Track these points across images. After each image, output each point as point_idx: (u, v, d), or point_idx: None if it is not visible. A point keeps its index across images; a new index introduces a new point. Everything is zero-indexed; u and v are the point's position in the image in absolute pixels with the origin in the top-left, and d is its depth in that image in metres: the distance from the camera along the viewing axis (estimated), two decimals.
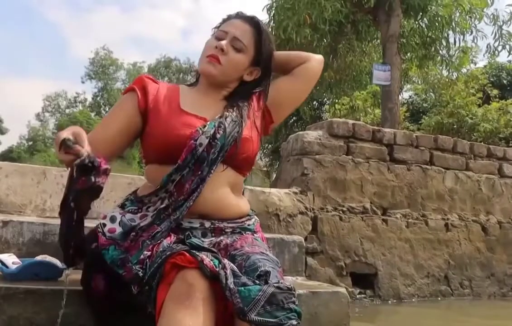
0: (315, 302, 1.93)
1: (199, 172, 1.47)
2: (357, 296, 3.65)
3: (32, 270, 1.61)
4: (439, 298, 4.07)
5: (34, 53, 68.58)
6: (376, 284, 3.82)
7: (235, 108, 1.59)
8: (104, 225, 1.48)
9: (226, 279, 1.20)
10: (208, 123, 1.52)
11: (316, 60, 1.78)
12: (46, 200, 2.42)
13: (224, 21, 1.68)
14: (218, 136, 1.50)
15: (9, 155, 31.55)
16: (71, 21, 69.06)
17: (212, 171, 1.49)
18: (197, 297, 1.18)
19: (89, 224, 2.11)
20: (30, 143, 38.47)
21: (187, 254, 1.25)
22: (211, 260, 1.24)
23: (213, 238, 1.48)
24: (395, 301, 3.83)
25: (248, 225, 1.58)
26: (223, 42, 1.58)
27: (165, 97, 1.59)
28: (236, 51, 1.60)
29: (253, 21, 1.64)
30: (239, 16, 1.67)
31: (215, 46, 1.59)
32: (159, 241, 1.37)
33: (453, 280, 4.21)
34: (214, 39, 1.62)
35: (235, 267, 1.27)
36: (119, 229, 1.45)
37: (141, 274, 1.33)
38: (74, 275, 1.80)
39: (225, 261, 1.27)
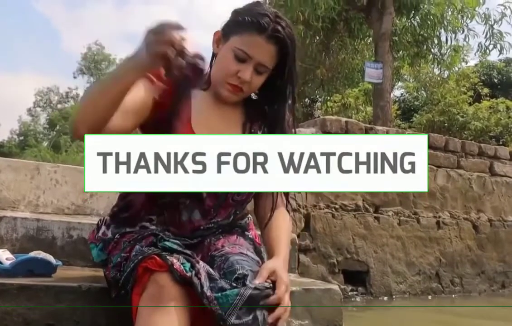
0: (308, 299, 1.93)
1: (195, 207, 1.43)
2: (349, 293, 3.67)
3: (26, 266, 1.60)
4: (430, 296, 4.11)
5: (26, 47, 67.91)
6: (368, 281, 3.84)
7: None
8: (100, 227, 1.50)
9: (202, 287, 1.19)
10: None
11: None
12: (39, 196, 2.41)
13: (241, 24, 1.42)
14: None
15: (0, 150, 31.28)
16: (63, 16, 68.49)
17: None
18: (169, 299, 1.19)
19: (83, 220, 2.13)
20: (21, 138, 38.09)
21: (158, 258, 1.25)
22: (182, 263, 1.23)
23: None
24: (386, 298, 3.86)
25: (240, 223, 1.55)
26: (247, 75, 1.41)
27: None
28: (258, 74, 1.45)
29: (279, 40, 1.41)
30: (264, 32, 1.40)
31: (237, 74, 1.42)
32: (135, 244, 1.37)
33: (444, 277, 4.25)
34: (234, 59, 1.42)
35: (211, 270, 1.25)
36: (109, 235, 1.47)
37: (118, 277, 1.35)
38: (67, 271, 1.80)
39: (200, 264, 1.25)
